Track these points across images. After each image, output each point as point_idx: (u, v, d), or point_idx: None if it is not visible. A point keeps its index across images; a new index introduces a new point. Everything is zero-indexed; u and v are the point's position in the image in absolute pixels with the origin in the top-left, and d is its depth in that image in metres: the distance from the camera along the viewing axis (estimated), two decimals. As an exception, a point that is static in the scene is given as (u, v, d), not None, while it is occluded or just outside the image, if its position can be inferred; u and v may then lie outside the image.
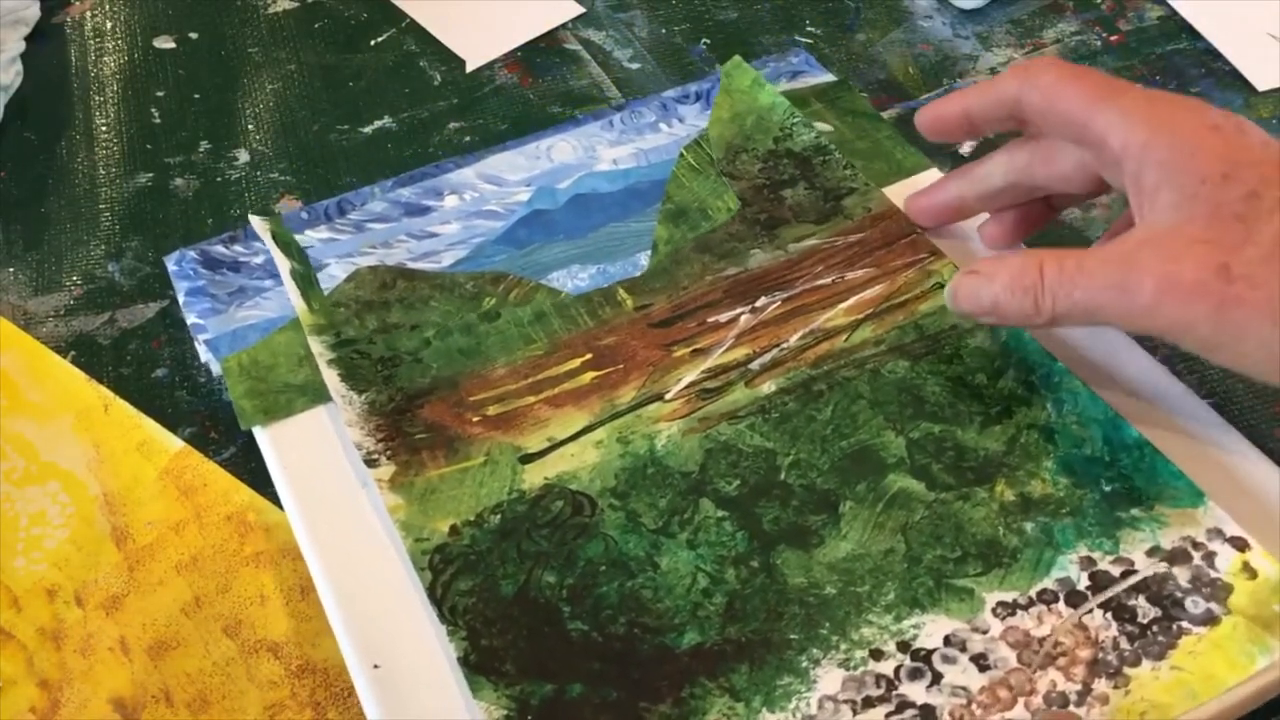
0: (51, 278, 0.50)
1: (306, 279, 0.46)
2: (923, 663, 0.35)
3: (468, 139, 0.55)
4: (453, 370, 0.43)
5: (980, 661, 0.35)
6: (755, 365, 0.43)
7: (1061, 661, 0.35)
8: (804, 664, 0.35)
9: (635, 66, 0.58)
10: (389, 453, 0.41)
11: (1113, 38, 0.59)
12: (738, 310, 0.45)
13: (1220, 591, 0.36)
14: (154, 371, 0.46)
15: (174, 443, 0.44)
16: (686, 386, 0.42)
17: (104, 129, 0.56)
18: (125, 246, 0.51)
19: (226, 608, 0.40)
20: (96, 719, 0.38)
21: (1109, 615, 0.36)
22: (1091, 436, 0.40)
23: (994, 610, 0.36)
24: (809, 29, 0.60)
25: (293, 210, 0.51)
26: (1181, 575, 0.36)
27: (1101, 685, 0.34)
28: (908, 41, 0.59)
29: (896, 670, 0.35)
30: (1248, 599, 0.35)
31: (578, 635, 0.36)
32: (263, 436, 0.43)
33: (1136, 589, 0.36)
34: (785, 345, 0.43)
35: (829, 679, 0.35)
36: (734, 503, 0.39)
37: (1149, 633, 0.35)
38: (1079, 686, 0.34)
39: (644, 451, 0.41)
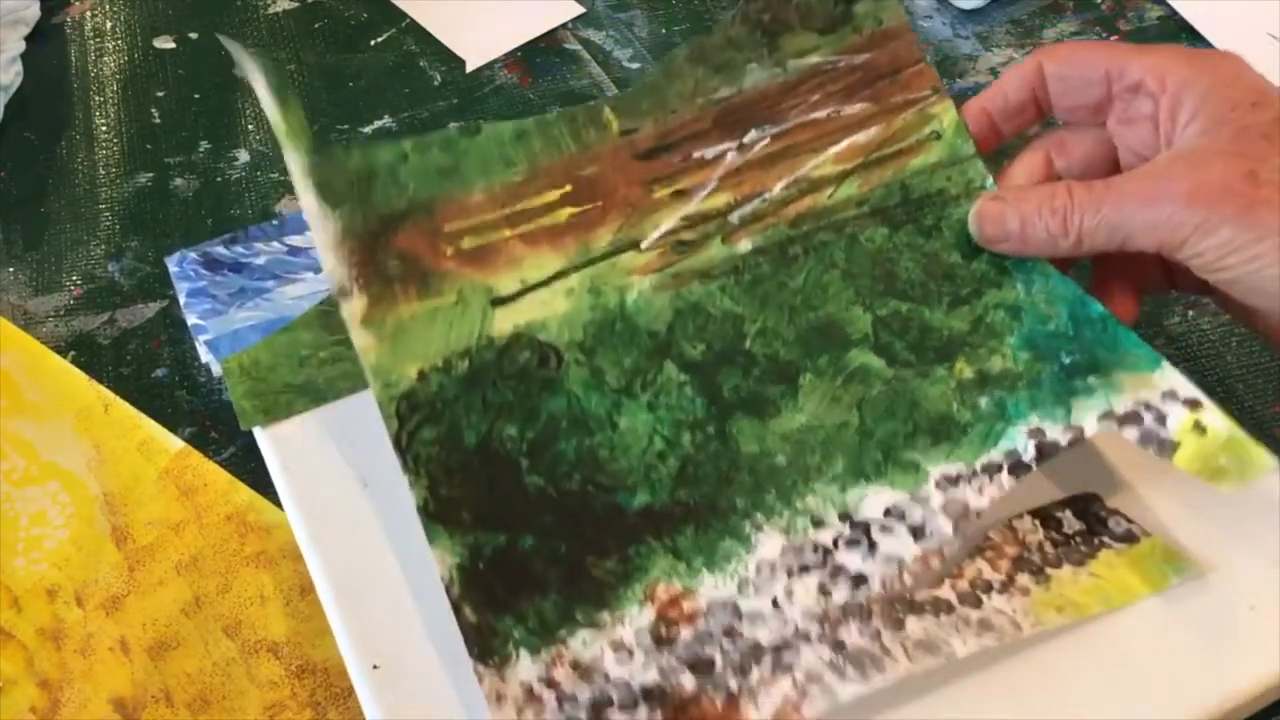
0: (51, 278, 0.50)
1: (283, 90, 0.42)
2: (861, 533, 0.36)
3: (468, 139, 0.55)
4: (430, 193, 0.41)
5: (917, 532, 0.36)
6: (734, 218, 0.42)
7: (989, 554, 0.36)
8: (747, 529, 0.36)
9: (635, 66, 0.58)
10: (361, 282, 0.39)
11: (1113, 38, 0.59)
12: (725, 146, 0.42)
13: (1167, 450, 0.36)
14: (154, 371, 0.46)
15: (174, 443, 0.44)
16: (663, 236, 0.41)
17: (104, 129, 0.56)
18: (125, 246, 0.51)
19: (227, 608, 0.40)
20: (97, 719, 0.38)
21: (1037, 522, 0.37)
22: (1057, 313, 0.40)
23: (937, 483, 0.37)
24: (809, 29, 0.60)
25: (295, 212, 0.51)
26: (1130, 435, 0.37)
27: (1024, 579, 0.36)
28: (908, 41, 0.59)
29: (835, 540, 0.36)
30: (1194, 453, 0.36)
31: (534, 489, 0.37)
32: (263, 437, 0.43)
33: (1064, 504, 0.38)
34: (768, 196, 0.42)
35: (769, 545, 0.36)
36: (697, 368, 0.39)
37: (1072, 542, 0.37)
38: (1003, 577, 0.36)
39: (614, 305, 0.40)
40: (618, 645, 0.34)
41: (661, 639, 0.34)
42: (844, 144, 0.43)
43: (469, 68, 0.58)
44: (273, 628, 0.40)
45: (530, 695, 0.34)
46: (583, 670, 0.34)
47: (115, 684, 0.38)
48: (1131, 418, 0.37)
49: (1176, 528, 0.38)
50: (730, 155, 0.42)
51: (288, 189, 0.53)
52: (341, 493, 0.41)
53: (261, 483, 0.42)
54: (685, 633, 0.35)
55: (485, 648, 0.34)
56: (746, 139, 0.43)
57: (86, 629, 0.39)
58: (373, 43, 0.60)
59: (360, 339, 0.38)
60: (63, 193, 0.53)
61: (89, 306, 0.49)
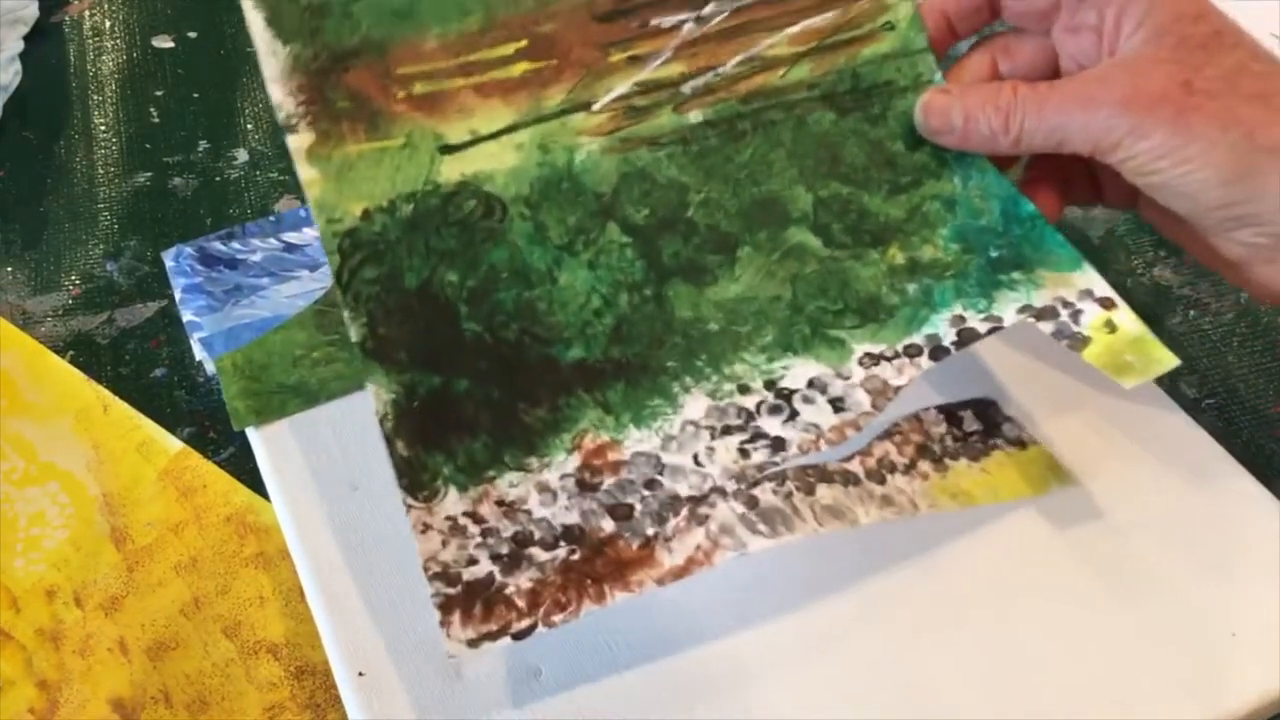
0: (50, 277, 0.50)
1: None
2: (784, 400, 0.38)
3: (467, 138, 0.55)
4: (384, 33, 0.41)
5: (837, 404, 0.38)
6: (687, 89, 0.43)
7: (897, 439, 0.39)
8: (675, 389, 0.38)
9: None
10: (309, 118, 0.39)
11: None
12: (684, 16, 0.43)
13: (1078, 344, 0.38)
14: (152, 371, 0.46)
15: (173, 444, 0.44)
16: (615, 99, 0.42)
17: (103, 129, 0.56)
18: (124, 246, 0.51)
19: (226, 609, 0.40)
20: (95, 719, 0.38)
21: (941, 416, 0.40)
22: (990, 209, 0.41)
23: (860, 360, 0.39)
24: (809, 28, 0.60)
25: (292, 210, 0.51)
26: (1045, 328, 0.38)
27: (925, 465, 0.39)
28: (908, 41, 0.59)
29: (759, 405, 0.38)
30: (1103, 348, 0.38)
31: (471, 335, 0.38)
32: (255, 438, 0.42)
33: (967, 404, 0.40)
34: (721, 71, 0.43)
35: (695, 405, 0.38)
36: (639, 231, 0.40)
37: (969, 439, 0.40)
38: (907, 460, 0.39)
39: (562, 164, 0.41)
40: (543, 487, 0.36)
41: (585, 485, 0.36)
42: (800, 26, 0.44)
43: (468, 67, 0.58)
44: (272, 629, 0.39)
45: (455, 526, 0.35)
46: (507, 508, 0.36)
47: (114, 684, 0.38)
48: (1048, 312, 0.39)
49: (1161, 557, 0.38)
50: (688, 25, 0.43)
51: (287, 189, 0.53)
52: (332, 496, 0.41)
53: (260, 483, 0.42)
54: (608, 480, 0.36)
55: (415, 482, 0.35)
56: (705, 11, 0.43)
57: (85, 629, 0.39)
58: (372, 42, 0.60)
59: (305, 172, 0.39)
60: (61, 192, 0.53)
61: (87, 306, 0.49)
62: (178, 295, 0.47)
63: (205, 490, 0.43)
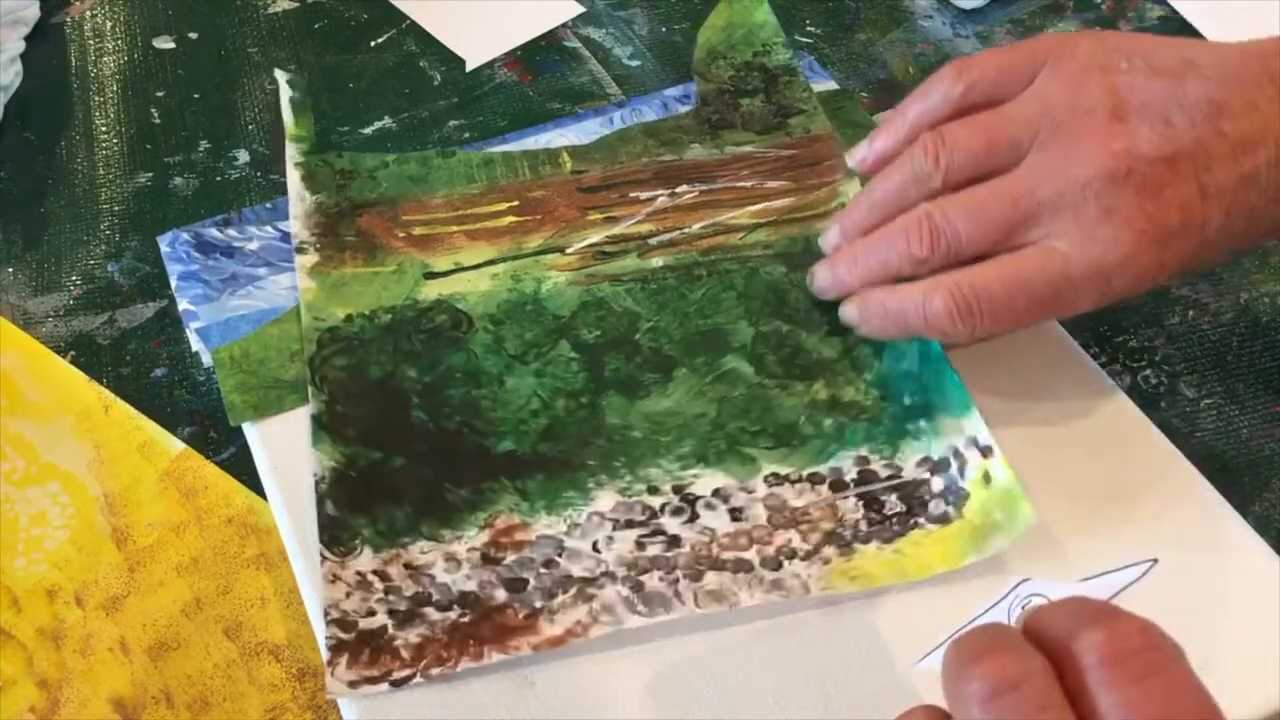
0: (51, 278, 0.50)
1: (302, 105, 0.53)
2: (688, 505, 0.40)
3: (467, 135, 0.55)
4: (398, 192, 0.49)
5: (735, 513, 0.40)
6: (653, 241, 0.48)
7: (804, 527, 0.40)
8: (589, 484, 0.41)
9: (635, 64, 0.58)
10: (318, 245, 0.47)
11: (1113, 37, 0.59)
12: (658, 192, 0.49)
13: (960, 500, 0.39)
14: (153, 371, 0.46)
15: (175, 445, 0.44)
16: (587, 246, 0.47)
17: (104, 129, 0.56)
18: (125, 246, 0.51)
19: (227, 609, 0.40)
20: (96, 719, 0.38)
21: (860, 503, 0.40)
22: (910, 351, 0.43)
23: (765, 479, 0.41)
24: (809, 29, 0.60)
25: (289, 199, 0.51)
26: (937, 485, 0.40)
27: (829, 550, 0.39)
28: (908, 41, 0.59)
29: (663, 505, 0.40)
30: (979, 506, 0.39)
31: (417, 422, 0.42)
32: (253, 434, 0.43)
33: (894, 489, 0.40)
34: (686, 230, 0.48)
35: (604, 500, 0.40)
36: (588, 349, 0.44)
37: (888, 522, 0.40)
38: (810, 548, 0.39)
39: (530, 291, 0.46)
40: (450, 557, 0.39)
41: (488, 558, 0.39)
42: (761, 205, 0.49)
43: (469, 67, 0.58)
44: (273, 630, 0.40)
45: (363, 581, 0.38)
46: (414, 571, 0.39)
47: (115, 684, 0.38)
48: (942, 464, 0.40)
49: (1136, 588, 0.38)
50: (661, 199, 0.49)
51: (287, 189, 0.53)
52: None
53: (260, 483, 0.42)
54: (511, 557, 0.39)
55: (335, 538, 0.39)
56: (678, 190, 0.49)
57: (86, 629, 0.39)
58: (373, 43, 0.60)
59: (303, 282, 0.46)
60: (62, 193, 0.53)
61: (88, 307, 0.49)
62: (173, 282, 0.47)
63: (206, 492, 0.43)
